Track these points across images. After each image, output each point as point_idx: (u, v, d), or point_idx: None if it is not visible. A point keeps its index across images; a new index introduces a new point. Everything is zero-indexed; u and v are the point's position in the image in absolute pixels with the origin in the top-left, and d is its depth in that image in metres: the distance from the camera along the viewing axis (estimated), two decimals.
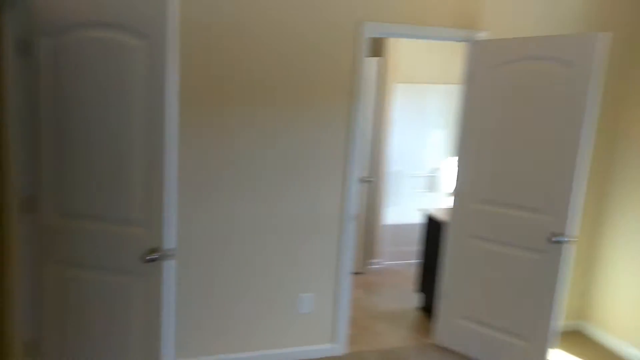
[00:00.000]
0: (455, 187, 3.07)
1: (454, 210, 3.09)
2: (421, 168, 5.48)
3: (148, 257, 1.96)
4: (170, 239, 2.02)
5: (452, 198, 3.09)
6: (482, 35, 2.95)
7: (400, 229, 4.99)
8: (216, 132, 2.64)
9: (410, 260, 5.04)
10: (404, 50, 5.01)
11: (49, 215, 2.13)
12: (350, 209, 2.91)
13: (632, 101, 3.18)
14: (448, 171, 5.52)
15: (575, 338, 3.43)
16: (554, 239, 2.63)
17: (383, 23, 2.76)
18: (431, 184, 5.54)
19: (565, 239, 2.62)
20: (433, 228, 3.62)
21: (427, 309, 3.72)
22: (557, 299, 2.69)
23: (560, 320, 3.48)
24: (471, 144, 2.98)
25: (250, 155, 2.71)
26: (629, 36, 3.19)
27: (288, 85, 2.70)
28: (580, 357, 3.17)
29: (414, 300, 4.04)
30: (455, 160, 3.07)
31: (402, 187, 5.42)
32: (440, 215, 3.54)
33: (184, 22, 2.49)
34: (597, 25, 3.12)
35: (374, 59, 4.34)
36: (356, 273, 4.63)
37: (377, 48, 4.56)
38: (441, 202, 5.53)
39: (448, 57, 5.17)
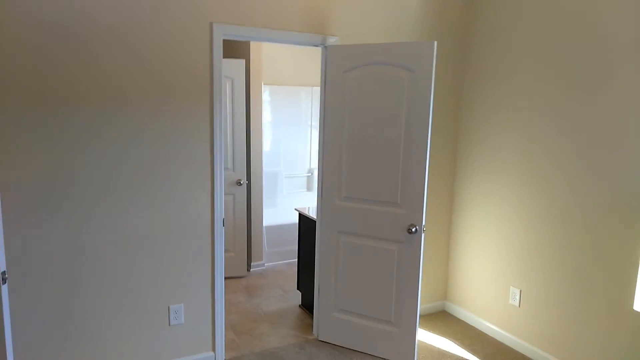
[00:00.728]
0: (320, 186, 3.20)
1: (320, 208, 3.21)
2: (298, 168, 5.61)
3: None
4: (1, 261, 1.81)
5: (318, 196, 3.21)
6: (333, 40, 3.10)
7: (281, 230, 5.06)
8: (64, 141, 2.42)
9: (291, 259, 5.13)
10: (269, 53, 5.06)
11: None
12: (220, 213, 2.88)
13: (465, 100, 3.60)
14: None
15: (439, 317, 3.79)
16: (412, 229, 2.87)
17: (233, 25, 2.76)
18: (309, 184, 5.70)
19: (421, 229, 2.87)
20: (306, 226, 3.73)
21: (308, 305, 3.83)
22: (418, 284, 2.95)
23: (426, 303, 3.82)
24: (331, 145, 3.12)
25: (107, 163, 2.53)
26: (456, 42, 3.58)
27: (142, 89, 2.57)
28: (444, 334, 3.51)
29: (296, 298, 4.13)
30: (318, 159, 3.19)
31: (280, 188, 5.50)
32: (312, 214, 3.66)
33: (6, 21, 2.24)
34: (427, 34, 3.46)
35: (240, 61, 4.32)
36: (237, 277, 4.59)
37: (243, 50, 4.55)
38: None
39: (315, 59, 5.35)
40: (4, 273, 1.83)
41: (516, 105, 3.19)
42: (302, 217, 3.80)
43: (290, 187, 5.61)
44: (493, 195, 3.41)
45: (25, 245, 2.41)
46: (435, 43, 2.73)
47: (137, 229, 2.67)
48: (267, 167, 5.33)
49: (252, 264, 4.78)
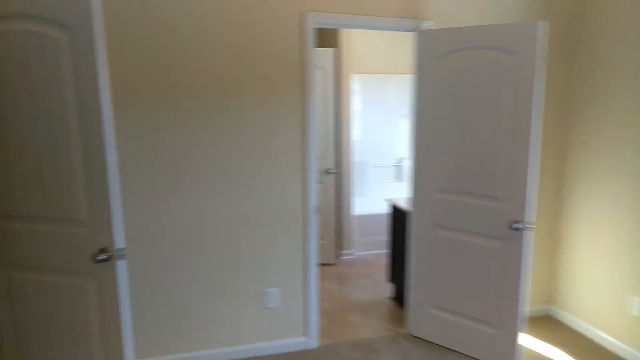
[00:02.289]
0: (413, 176, 3.10)
1: (414, 200, 3.12)
2: (387, 158, 5.51)
3: (98, 258, 1.91)
4: (119, 239, 1.98)
5: (412, 187, 3.12)
6: (428, 24, 2.95)
7: (370, 220, 5.02)
8: (169, 128, 2.59)
9: (381, 250, 5.08)
10: (359, 40, 4.99)
11: None
12: (312, 201, 2.91)
13: (576, 89, 3.25)
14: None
15: (544, 322, 3.52)
16: (513, 225, 2.68)
17: (326, 13, 2.74)
18: (398, 174, 5.58)
19: (525, 226, 2.67)
20: (398, 218, 3.65)
21: (399, 298, 3.77)
22: (523, 285, 2.76)
23: (529, 306, 3.57)
24: (425, 134, 2.99)
25: (205, 150, 2.67)
26: (566, 24, 3.24)
27: (239, 79, 2.66)
28: (550, 341, 3.26)
29: (387, 290, 4.09)
30: (412, 149, 3.09)
31: (368, 178, 5.45)
32: (405, 205, 3.57)
33: (115, 16, 2.42)
34: (536, 14, 3.16)
35: (330, 50, 4.31)
36: (328, 264, 4.65)
37: (333, 38, 4.53)
38: (409, 192, 5.58)
39: (406, 46, 5.18)
40: (121, 249, 1.98)
41: (638, 97, 2.82)
42: (394, 208, 3.73)
43: (378, 176, 5.53)
44: (608, 194, 3.07)
45: (141, 226, 2.62)
46: (544, 24, 2.48)
47: (236, 215, 2.79)
48: (355, 157, 5.30)
49: (341, 252, 4.81)
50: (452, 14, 3.01)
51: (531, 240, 2.65)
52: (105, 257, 1.95)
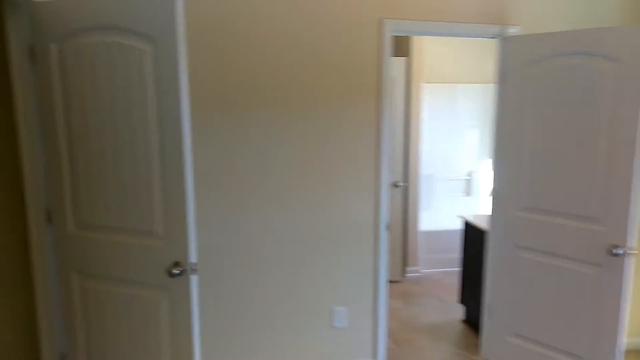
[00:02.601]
0: (493, 193, 2.87)
1: (493, 218, 2.89)
2: (455, 171, 5.26)
3: (172, 271, 1.88)
4: (193, 252, 1.94)
5: (491, 204, 2.90)
6: (513, 30, 2.74)
7: (437, 235, 4.79)
8: (234, 139, 2.55)
9: (448, 268, 4.82)
10: (430, 49, 4.81)
11: (68, 226, 2.11)
12: (384, 215, 2.77)
13: None
14: (485, 174, 5.28)
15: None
16: (613, 250, 2.40)
17: (405, 20, 2.61)
18: (467, 188, 5.31)
19: (626, 251, 2.38)
20: (473, 236, 3.42)
21: (472, 322, 3.52)
22: (622, 316, 2.45)
23: (629, 337, 3.21)
24: (508, 147, 2.77)
25: (275, 162, 2.61)
26: None
27: (313, 89, 2.59)
28: None
29: (457, 311, 3.84)
30: (491, 163, 2.87)
31: (435, 192, 5.22)
32: (480, 222, 3.34)
33: (191, 24, 2.42)
34: (634, 19, 2.86)
35: (401, 59, 4.17)
36: (393, 281, 4.47)
37: (403, 47, 4.39)
38: (480, 207, 5.29)
39: (478, 54, 4.94)
40: (193, 264, 1.94)
41: None
42: (467, 225, 3.50)
43: (446, 190, 5.29)
44: None
45: (206, 239, 2.60)
46: None
47: (306, 231, 2.70)
48: (422, 169, 5.10)
49: (407, 269, 4.61)
50: (539, 19, 2.78)
51: (632, 267, 2.37)
52: (179, 270, 1.92)
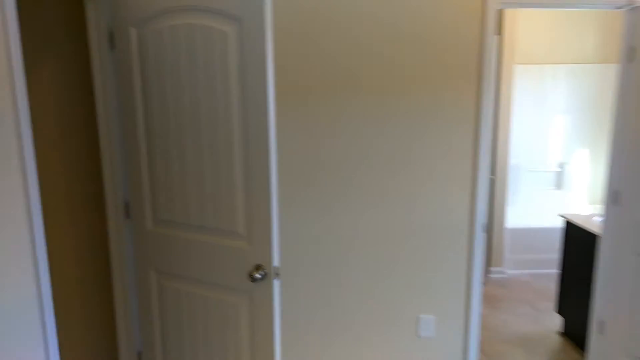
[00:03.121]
0: (610, 192, 2.46)
1: (608, 220, 2.48)
2: (545, 162, 4.76)
3: (254, 275, 1.72)
4: (276, 255, 1.76)
5: (605, 203, 2.49)
6: None
7: (525, 233, 4.36)
8: (319, 132, 2.34)
9: (538, 269, 4.38)
10: (523, 27, 4.33)
11: (146, 222, 2.01)
12: (480, 216, 2.45)
13: None
14: (579, 166, 4.74)
15: None
16: None
17: None
18: (558, 181, 4.79)
19: None
20: (577, 238, 3.01)
21: (573, 335, 3.12)
22: None
23: None
24: (635, 137, 2.35)
25: (361, 156, 2.37)
26: None
27: (405, 74, 2.31)
28: None
29: (553, 321, 3.44)
30: (610, 157, 2.46)
31: (522, 185, 4.76)
32: (587, 224, 2.92)
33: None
34: None
35: (492, 38, 3.76)
36: None
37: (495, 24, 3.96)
38: (572, 203, 4.76)
39: (576, 31, 4.39)
40: (277, 268, 1.77)
41: None
42: (570, 225, 3.09)
43: (534, 183, 4.81)
44: None
45: (285, 240, 2.42)
46: None
47: (393, 231, 2.45)
48: (510, 160, 4.65)
49: (490, 269, 4.24)
50: None
51: None
52: (261, 274, 1.74)
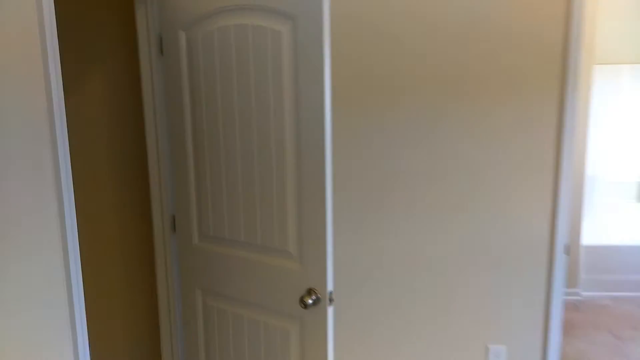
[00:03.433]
0: None
1: None
2: (626, 172, 4.28)
3: (305, 300, 1.54)
4: (330, 279, 1.58)
5: None
6: None
7: (603, 251, 3.92)
8: (375, 140, 2.13)
9: (618, 292, 3.93)
10: (603, 22, 3.92)
11: (192, 237, 1.89)
12: (563, 234, 2.15)
13: None
14: None
15: None
16: None
17: None
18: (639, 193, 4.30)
19: None
20: None
21: None
22: None
23: None
24: None
25: (421, 168, 2.14)
26: None
27: (475, 73, 2.06)
28: None
29: (639, 352, 3.03)
30: None
31: (600, 197, 4.30)
32: None
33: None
34: None
35: None
36: None
37: None
38: None
39: None
40: (331, 293, 1.58)
41: None
42: None
43: (613, 195, 4.34)
44: None
45: (336, 259, 2.23)
46: None
47: (457, 252, 2.20)
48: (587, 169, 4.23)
49: (564, 290, 3.84)
50: None
51: None
52: (313, 299, 1.57)
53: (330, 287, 1.57)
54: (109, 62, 2.15)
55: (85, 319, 1.43)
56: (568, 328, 3.39)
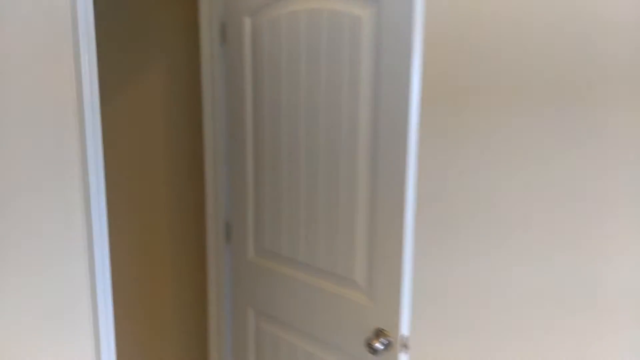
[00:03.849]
0: None
1: None
2: None
3: (373, 344, 1.27)
4: (406, 320, 1.30)
5: None
6: None
7: None
8: (469, 147, 1.80)
9: None
10: None
11: (248, 250, 1.67)
12: None
13: None
14: None
15: None
16: None
17: None
18: None
19: None
20: None
21: None
22: None
23: None
24: None
25: (523, 184, 1.77)
26: None
27: (620, 70, 1.67)
28: None
29: None
30: None
31: None
32: None
33: None
34: None
35: None
36: None
37: None
38: None
39: None
40: (405, 338, 1.30)
41: None
42: None
43: None
44: None
45: (416, 295, 1.92)
46: None
47: (566, 289, 1.82)
48: None
49: None
50: None
51: None
52: (383, 343, 1.29)
53: (405, 330, 1.29)
54: (168, 53, 1.99)
55: (112, 335, 1.26)
56: None
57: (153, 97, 2.01)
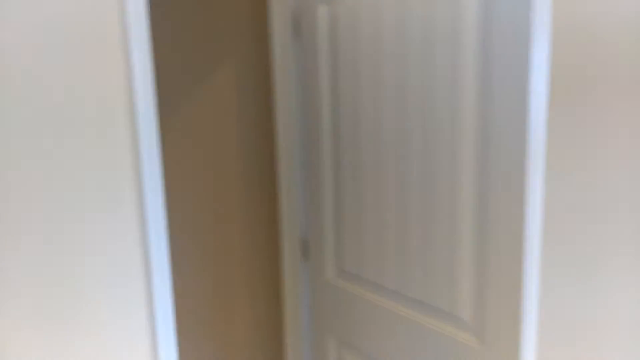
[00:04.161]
0: None
1: None
2: None
3: None
4: None
5: None
6: None
7: None
8: (615, 148, 1.44)
9: None
10: None
11: (327, 270, 1.47)
12: None
13: None
14: None
15: None
16: None
17: None
18: None
19: None
20: None
21: None
22: None
23: None
24: None
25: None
26: None
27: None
28: None
29: None
30: None
31: None
32: None
33: None
34: None
35: None
36: None
37: None
38: None
39: None
40: None
41: None
42: None
43: None
44: None
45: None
46: None
47: None
48: None
49: None
50: None
51: None
52: None
53: None
54: (234, 50, 1.84)
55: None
56: None
57: (219, 100, 1.87)
